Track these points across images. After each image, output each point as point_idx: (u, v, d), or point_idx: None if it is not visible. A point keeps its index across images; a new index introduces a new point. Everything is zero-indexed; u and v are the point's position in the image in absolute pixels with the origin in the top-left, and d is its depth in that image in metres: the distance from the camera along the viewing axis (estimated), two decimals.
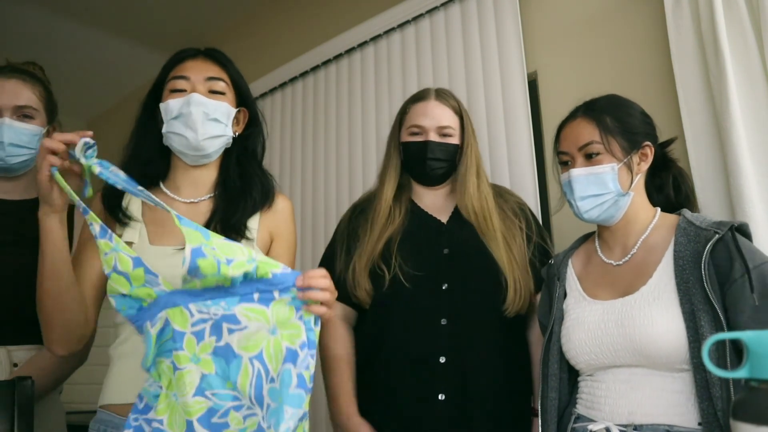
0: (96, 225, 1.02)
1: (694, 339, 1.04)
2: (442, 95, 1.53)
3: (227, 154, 1.28)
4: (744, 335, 0.55)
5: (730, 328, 1.02)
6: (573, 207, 1.25)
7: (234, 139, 1.26)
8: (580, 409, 1.18)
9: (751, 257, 1.05)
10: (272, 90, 2.82)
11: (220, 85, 1.21)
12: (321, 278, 1.00)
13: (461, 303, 1.38)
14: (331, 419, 1.44)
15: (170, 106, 1.17)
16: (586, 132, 1.22)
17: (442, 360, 1.34)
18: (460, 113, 1.53)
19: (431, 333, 1.36)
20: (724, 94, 1.47)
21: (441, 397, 1.32)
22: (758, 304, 0.99)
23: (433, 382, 1.33)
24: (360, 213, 1.53)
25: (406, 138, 1.51)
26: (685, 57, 1.60)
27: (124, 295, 1.01)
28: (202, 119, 1.16)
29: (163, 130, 1.19)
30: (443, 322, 1.37)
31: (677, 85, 1.60)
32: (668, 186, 1.31)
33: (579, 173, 1.21)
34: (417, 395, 1.34)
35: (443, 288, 1.39)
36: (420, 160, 1.48)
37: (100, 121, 4.31)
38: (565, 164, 1.27)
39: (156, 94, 1.24)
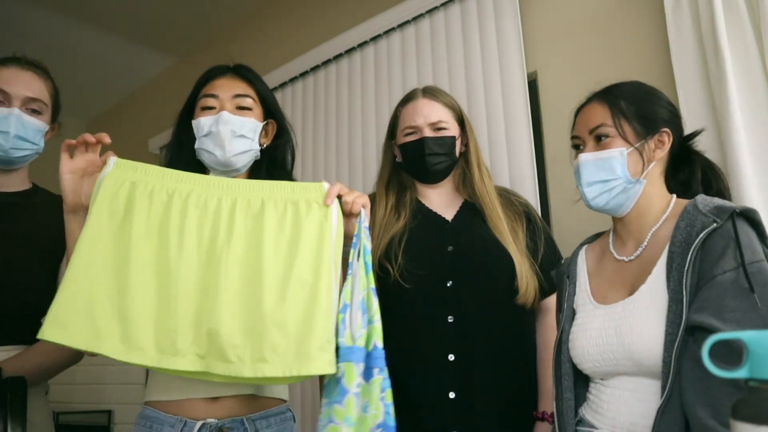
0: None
1: (670, 341, 0.97)
2: (429, 92, 1.54)
3: (257, 165, 1.31)
4: (744, 335, 0.54)
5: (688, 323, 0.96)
6: (582, 195, 1.18)
7: (262, 150, 1.30)
8: (586, 411, 1.14)
9: (748, 251, 0.95)
10: (272, 90, 2.81)
11: (247, 101, 1.27)
12: (348, 194, 1.16)
13: (466, 300, 1.38)
14: None
15: (201, 123, 1.24)
16: (598, 114, 1.16)
17: (451, 358, 1.34)
18: (451, 106, 1.53)
19: (438, 331, 1.36)
20: (724, 94, 1.47)
21: (451, 395, 1.32)
22: (760, 305, 0.90)
23: (442, 380, 1.33)
24: None
25: (402, 140, 1.52)
26: (685, 57, 1.60)
27: None
28: (229, 137, 1.22)
29: (196, 146, 1.25)
30: (450, 319, 1.36)
31: (677, 85, 1.60)
32: (696, 182, 1.20)
33: (586, 158, 1.15)
34: (427, 394, 1.33)
35: (448, 285, 1.39)
36: (419, 158, 1.48)
37: (100, 121, 4.30)
38: (577, 148, 1.21)
39: (189, 109, 1.30)
